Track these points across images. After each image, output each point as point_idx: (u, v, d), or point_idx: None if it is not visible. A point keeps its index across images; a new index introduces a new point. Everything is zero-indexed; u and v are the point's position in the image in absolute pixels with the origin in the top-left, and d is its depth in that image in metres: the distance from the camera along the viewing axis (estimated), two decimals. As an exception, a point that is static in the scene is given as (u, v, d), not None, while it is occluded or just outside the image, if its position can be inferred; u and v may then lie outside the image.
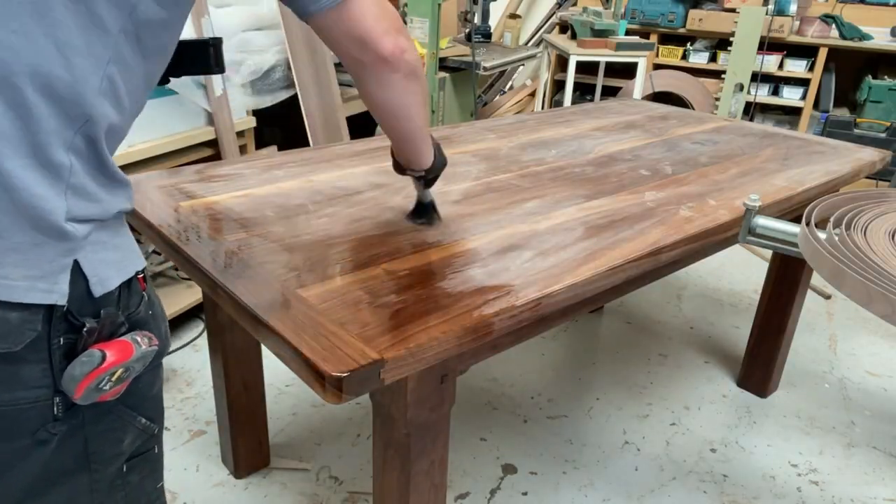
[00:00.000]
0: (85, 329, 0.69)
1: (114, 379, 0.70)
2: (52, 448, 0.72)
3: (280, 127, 2.79)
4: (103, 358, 0.69)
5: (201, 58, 1.02)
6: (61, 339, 0.68)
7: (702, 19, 3.98)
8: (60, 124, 0.63)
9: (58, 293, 0.66)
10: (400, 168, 1.18)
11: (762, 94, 4.00)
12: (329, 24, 0.83)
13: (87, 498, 0.78)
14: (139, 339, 0.73)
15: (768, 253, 2.78)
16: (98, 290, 0.70)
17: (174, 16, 0.73)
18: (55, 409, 0.70)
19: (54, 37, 0.61)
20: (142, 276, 0.78)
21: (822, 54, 3.80)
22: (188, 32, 1.97)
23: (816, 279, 2.69)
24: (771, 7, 3.77)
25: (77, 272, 0.68)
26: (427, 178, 1.18)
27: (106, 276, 0.71)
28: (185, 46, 0.94)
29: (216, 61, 1.03)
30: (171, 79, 0.96)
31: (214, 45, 1.04)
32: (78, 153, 0.66)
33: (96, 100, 0.65)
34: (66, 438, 0.73)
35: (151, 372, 0.80)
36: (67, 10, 0.61)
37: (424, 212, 1.24)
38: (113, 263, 0.72)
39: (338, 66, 2.77)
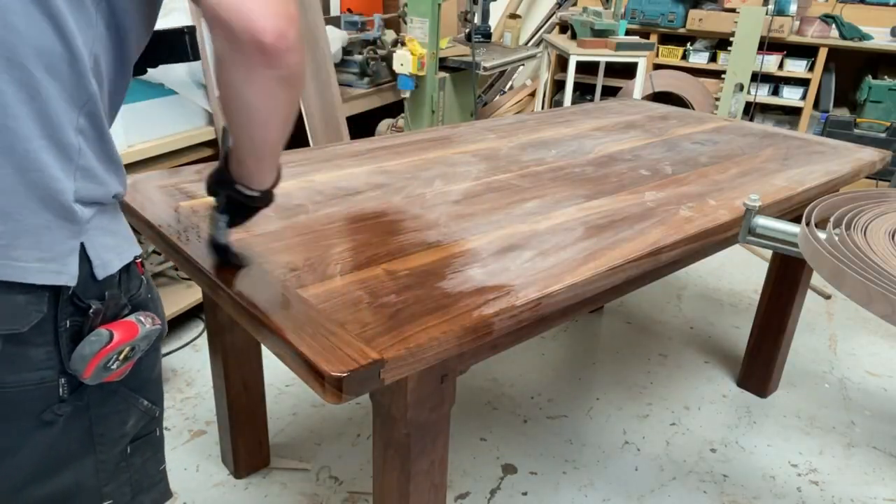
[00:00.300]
0: (91, 310, 0.71)
1: (121, 358, 0.72)
2: (58, 429, 0.74)
3: (280, 127, 2.79)
4: (111, 337, 0.71)
5: (176, 47, 1.01)
6: (68, 322, 0.70)
7: (702, 19, 3.98)
8: (67, 104, 0.65)
9: (67, 274, 0.68)
10: (217, 181, 0.97)
11: (762, 94, 4.00)
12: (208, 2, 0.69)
13: (93, 479, 0.79)
14: (143, 318, 0.76)
15: (768, 253, 2.78)
16: (101, 273, 0.72)
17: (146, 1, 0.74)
18: (61, 390, 0.72)
19: (52, 17, 0.62)
20: (139, 261, 0.80)
21: (822, 54, 3.80)
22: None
23: (816, 279, 2.69)
24: (771, 7, 3.77)
25: (82, 255, 0.70)
26: (246, 205, 0.97)
27: (108, 260, 0.73)
28: (159, 36, 0.94)
29: (191, 50, 1.02)
30: (148, 69, 0.96)
31: (189, 33, 1.02)
32: (84, 134, 0.68)
33: (92, 79, 0.67)
34: (71, 420, 0.74)
35: (152, 354, 0.82)
36: None
37: (219, 253, 1.04)
38: (112, 248, 0.74)
39: (338, 66, 2.77)
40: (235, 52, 0.69)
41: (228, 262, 1.04)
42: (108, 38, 0.69)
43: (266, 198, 0.96)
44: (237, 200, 0.96)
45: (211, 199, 1.01)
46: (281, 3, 0.69)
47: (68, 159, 0.66)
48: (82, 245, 0.70)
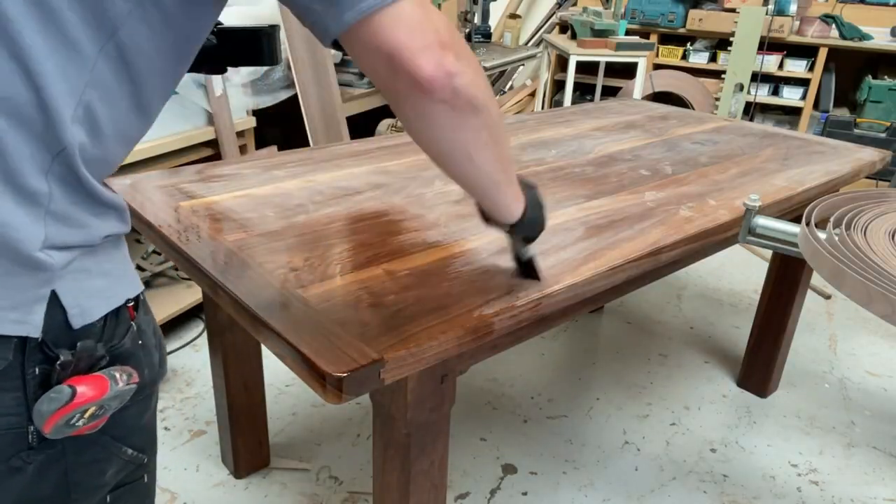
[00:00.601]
0: (59, 362, 0.64)
1: (86, 416, 0.65)
2: (29, 476, 0.68)
3: (280, 127, 2.80)
4: (73, 395, 0.64)
5: (254, 49, 0.93)
6: (36, 370, 0.64)
7: (702, 19, 3.98)
8: (34, 150, 0.59)
9: (31, 325, 0.61)
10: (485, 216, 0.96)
11: (762, 94, 4.00)
12: (356, 42, 0.66)
13: None
14: (118, 375, 0.68)
15: (768, 253, 2.78)
16: (78, 322, 0.65)
17: (168, 38, 0.66)
18: (30, 437, 0.66)
19: (21, 61, 0.56)
20: (132, 304, 0.73)
21: (822, 54, 3.80)
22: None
23: (816, 279, 2.69)
24: (771, 7, 3.77)
25: (54, 302, 0.63)
26: (515, 235, 0.98)
27: (89, 307, 0.66)
28: (234, 35, 0.89)
29: (270, 53, 0.94)
30: (229, 68, 0.92)
31: (269, 34, 0.94)
32: (58, 179, 0.61)
33: (70, 128, 0.60)
34: (43, 468, 0.69)
35: (141, 402, 0.76)
36: (36, 33, 0.56)
37: (522, 269, 1.06)
38: (99, 292, 0.67)
39: (338, 66, 2.77)
40: (402, 97, 0.68)
41: (526, 276, 1.04)
42: (112, 85, 0.63)
43: (525, 226, 0.92)
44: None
45: None
46: (433, 31, 0.65)
47: (35, 204, 0.60)
48: (55, 292, 0.63)
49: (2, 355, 0.61)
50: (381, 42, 0.64)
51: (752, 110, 3.98)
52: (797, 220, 1.24)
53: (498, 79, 4.64)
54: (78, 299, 0.65)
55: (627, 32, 3.88)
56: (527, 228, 0.94)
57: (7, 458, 0.66)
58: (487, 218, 0.94)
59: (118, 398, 0.68)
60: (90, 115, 0.62)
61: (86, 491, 0.74)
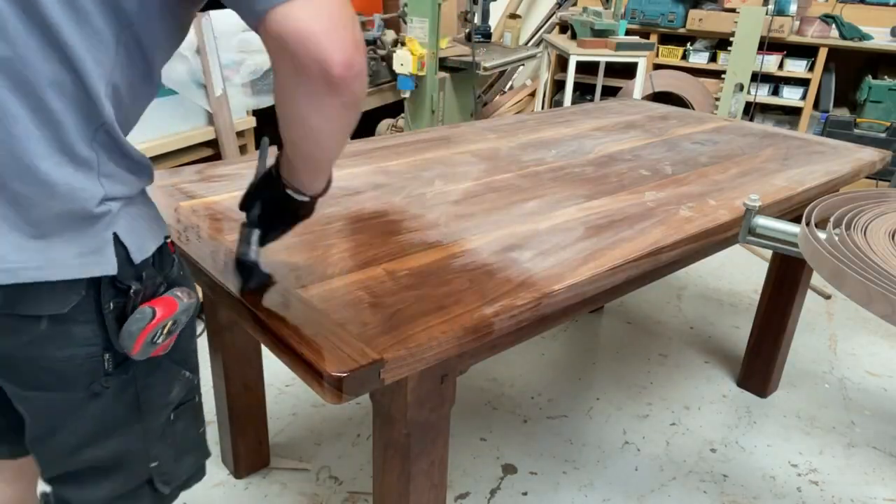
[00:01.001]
0: (132, 291, 0.77)
1: (165, 332, 0.79)
2: (107, 400, 0.81)
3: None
4: (154, 313, 0.77)
5: None
6: (111, 304, 0.76)
7: (702, 19, 3.98)
8: (82, 124, 0.70)
9: (109, 264, 0.74)
10: (263, 184, 0.94)
11: (762, 94, 4.00)
12: (272, 28, 0.67)
13: (141, 443, 0.87)
14: (179, 294, 0.81)
15: (768, 253, 2.77)
16: (137, 257, 0.77)
17: (173, 21, 0.77)
18: (106, 364, 0.79)
19: (65, 54, 0.67)
20: (170, 241, 0.85)
21: (822, 54, 3.80)
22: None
23: (816, 279, 2.69)
24: (771, 7, 3.77)
25: (118, 243, 0.75)
26: (286, 215, 0.96)
27: (143, 243, 0.78)
28: None
29: None
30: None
31: None
32: (102, 146, 0.72)
33: (105, 104, 0.71)
34: (118, 392, 0.82)
35: (190, 326, 0.89)
36: (73, 31, 0.67)
37: (244, 273, 0.97)
38: (147, 231, 0.80)
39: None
40: (301, 82, 0.71)
41: (255, 281, 0.97)
42: (129, 66, 0.73)
43: (312, 205, 0.95)
44: (280, 208, 0.94)
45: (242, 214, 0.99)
46: (348, 30, 0.69)
47: (89, 169, 0.72)
48: (116, 235, 0.75)
49: (75, 290, 0.74)
50: (298, 31, 0.66)
51: (752, 110, 3.98)
52: (797, 220, 1.24)
53: (498, 79, 4.64)
54: (133, 238, 0.77)
55: (627, 32, 3.88)
56: (308, 206, 0.95)
57: (89, 384, 0.79)
58: (264, 185, 0.93)
59: (186, 312, 0.82)
60: (116, 91, 0.73)
61: (155, 410, 0.88)
